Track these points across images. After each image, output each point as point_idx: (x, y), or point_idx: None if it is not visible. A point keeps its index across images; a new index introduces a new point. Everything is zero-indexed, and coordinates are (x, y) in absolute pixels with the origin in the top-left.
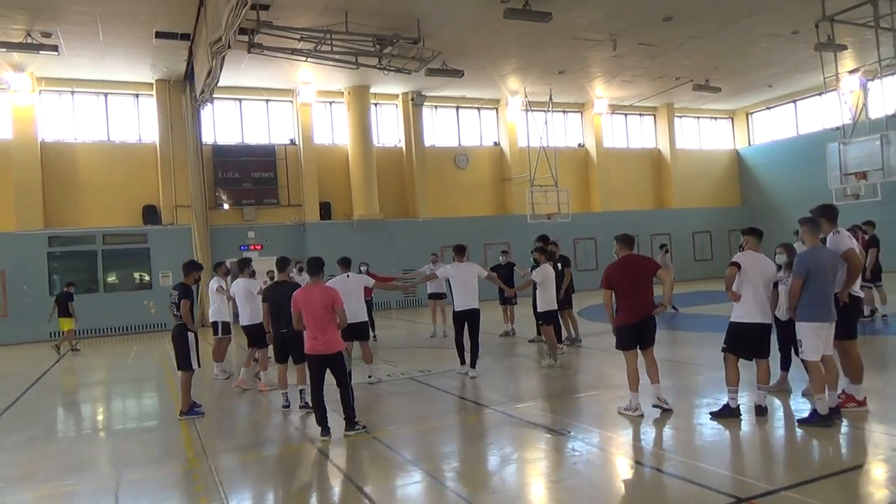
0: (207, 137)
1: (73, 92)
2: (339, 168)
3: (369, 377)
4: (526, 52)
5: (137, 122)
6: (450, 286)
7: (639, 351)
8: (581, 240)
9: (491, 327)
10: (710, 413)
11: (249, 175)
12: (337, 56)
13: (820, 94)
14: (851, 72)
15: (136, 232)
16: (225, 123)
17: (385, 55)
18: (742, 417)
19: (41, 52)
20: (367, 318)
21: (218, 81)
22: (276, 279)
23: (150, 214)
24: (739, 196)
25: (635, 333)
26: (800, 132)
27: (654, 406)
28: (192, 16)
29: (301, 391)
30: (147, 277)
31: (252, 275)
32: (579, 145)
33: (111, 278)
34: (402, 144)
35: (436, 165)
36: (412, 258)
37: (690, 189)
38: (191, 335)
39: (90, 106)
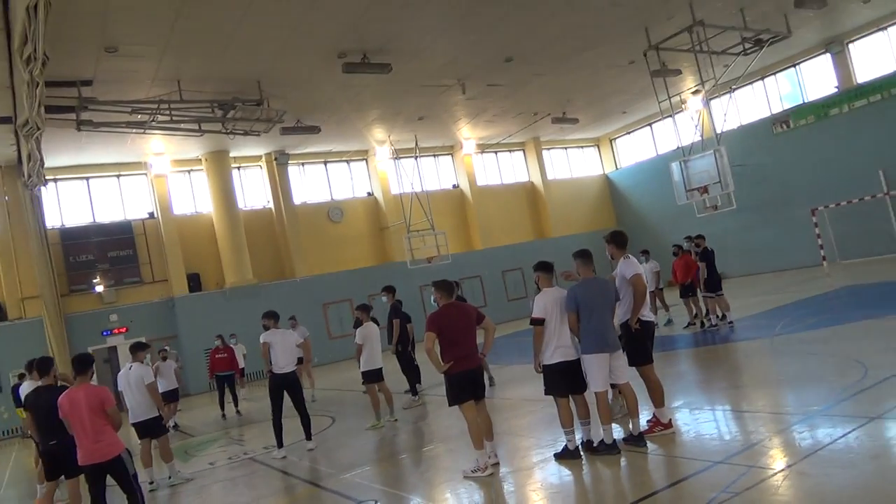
0: (54, 221)
1: None
2: (204, 237)
3: (168, 478)
4: (381, 102)
5: None
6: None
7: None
8: (466, 278)
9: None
10: (554, 455)
11: (105, 255)
12: (177, 126)
13: (671, 116)
14: (695, 92)
15: None
16: (74, 204)
17: (229, 119)
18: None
19: None
20: (155, 414)
21: (42, 164)
22: (39, 384)
23: None
24: (614, 218)
25: (467, 382)
26: (658, 152)
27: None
28: (7, 97)
29: None
30: None
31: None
32: (454, 186)
33: None
34: (272, 205)
35: (309, 222)
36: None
37: (567, 217)
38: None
39: None
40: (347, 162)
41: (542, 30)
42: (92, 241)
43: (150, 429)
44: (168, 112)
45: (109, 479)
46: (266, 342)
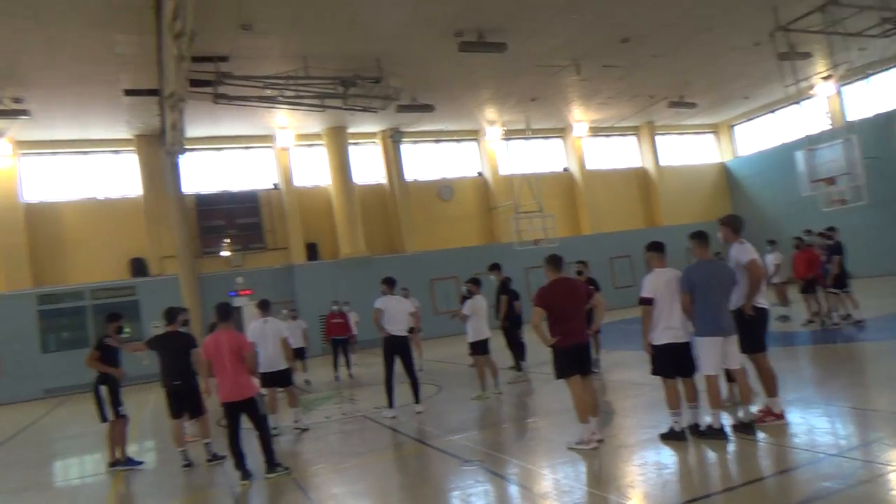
0: (190, 188)
1: (53, 153)
2: (322, 209)
3: (295, 422)
4: (494, 82)
5: (119, 177)
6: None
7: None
8: (572, 263)
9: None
10: (659, 435)
11: (234, 221)
12: (302, 100)
13: (797, 102)
14: (825, 78)
15: (125, 285)
16: (207, 173)
17: (349, 96)
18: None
19: (13, 118)
20: (285, 366)
21: (184, 133)
22: (167, 329)
23: (138, 267)
24: (731, 208)
25: (573, 356)
26: (782, 141)
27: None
28: (154, 72)
29: (206, 444)
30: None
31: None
32: (563, 169)
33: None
34: (385, 181)
35: (420, 199)
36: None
37: (680, 205)
38: (102, 388)
39: (72, 165)
40: (458, 141)
41: (661, 9)
42: (223, 208)
43: (279, 379)
44: (295, 87)
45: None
46: (380, 308)
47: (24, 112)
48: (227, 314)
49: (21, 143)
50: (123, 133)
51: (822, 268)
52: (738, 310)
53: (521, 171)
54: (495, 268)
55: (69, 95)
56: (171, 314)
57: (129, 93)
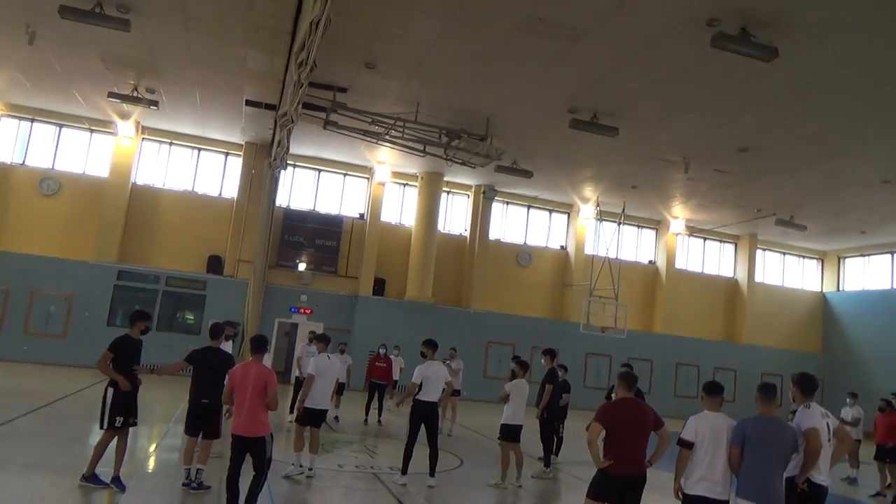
0: (282, 200)
1: (171, 143)
2: (400, 247)
3: (309, 469)
4: (598, 162)
5: (222, 178)
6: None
7: None
8: (636, 359)
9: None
10: None
11: (314, 241)
12: (406, 142)
13: None
14: None
15: (198, 278)
16: (301, 190)
17: (452, 147)
18: None
19: (143, 105)
20: (327, 407)
21: (287, 151)
22: (209, 345)
23: (214, 264)
24: (821, 342)
25: (620, 486)
26: (895, 285)
27: None
28: (276, 89)
29: (198, 470)
30: (191, 320)
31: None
32: (650, 262)
33: (165, 319)
34: (468, 234)
35: (497, 259)
36: (456, 347)
37: (765, 326)
38: (110, 391)
39: (184, 157)
40: (549, 211)
41: (786, 128)
42: (307, 226)
43: (319, 418)
44: (402, 129)
45: None
46: (416, 382)
47: (153, 102)
48: (262, 346)
49: (144, 129)
50: (236, 138)
51: None
52: (791, 480)
53: (605, 254)
54: (549, 353)
55: (197, 95)
56: (216, 330)
57: (249, 103)
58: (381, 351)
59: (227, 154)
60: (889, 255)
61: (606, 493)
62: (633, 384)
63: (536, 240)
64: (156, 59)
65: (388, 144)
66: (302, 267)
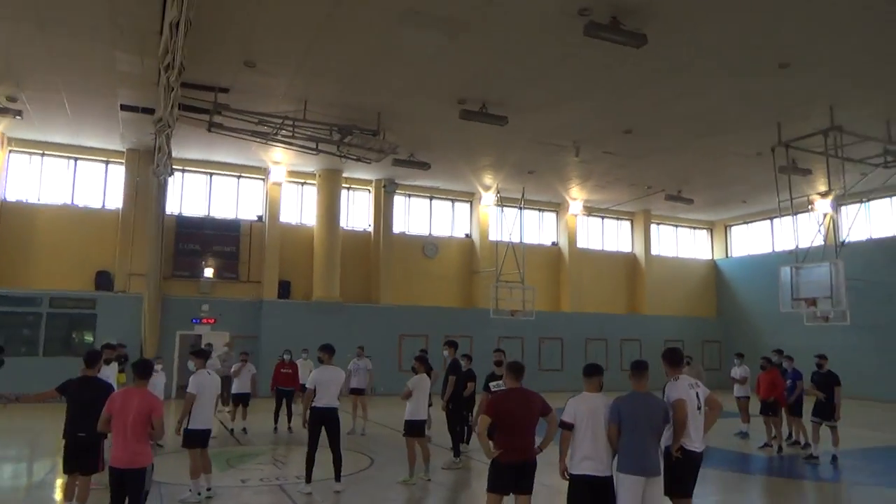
0: (174, 208)
1: (42, 154)
2: (302, 248)
3: (207, 488)
4: (493, 150)
5: (104, 188)
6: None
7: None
8: (547, 339)
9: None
10: None
11: (211, 248)
12: (297, 141)
13: (793, 215)
14: (823, 194)
15: (85, 297)
16: (193, 196)
17: (344, 144)
18: None
19: (3, 115)
20: (210, 426)
21: (170, 156)
22: (82, 374)
23: (103, 280)
24: (715, 307)
25: (513, 474)
26: (775, 249)
27: None
28: (153, 92)
29: None
30: (88, 341)
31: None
32: (553, 244)
33: (53, 342)
34: (371, 229)
35: (403, 253)
36: (368, 345)
37: (665, 296)
38: None
39: (59, 169)
40: (452, 201)
41: (665, 109)
42: (202, 233)
43: (205, 438)
44: (291, 128)
45: None
46: (312, 388)
47: (17, 112)
48: (146, 371)
49: (10, 140)
50: (116, 145)
51: (788, 391)
52: (667, 450)
53: (509, 240)
54: (450, 344)
55: (65, 102)
56: (92, 358)
57: (125, 108)
58: (286, 357)
59: (107, 162)
60: (768, 222)
61: (503, 484)
62: (521, 374)
63: (441, 230)
64: (12, 65)
65: (278, 144)
66: (205, 274)
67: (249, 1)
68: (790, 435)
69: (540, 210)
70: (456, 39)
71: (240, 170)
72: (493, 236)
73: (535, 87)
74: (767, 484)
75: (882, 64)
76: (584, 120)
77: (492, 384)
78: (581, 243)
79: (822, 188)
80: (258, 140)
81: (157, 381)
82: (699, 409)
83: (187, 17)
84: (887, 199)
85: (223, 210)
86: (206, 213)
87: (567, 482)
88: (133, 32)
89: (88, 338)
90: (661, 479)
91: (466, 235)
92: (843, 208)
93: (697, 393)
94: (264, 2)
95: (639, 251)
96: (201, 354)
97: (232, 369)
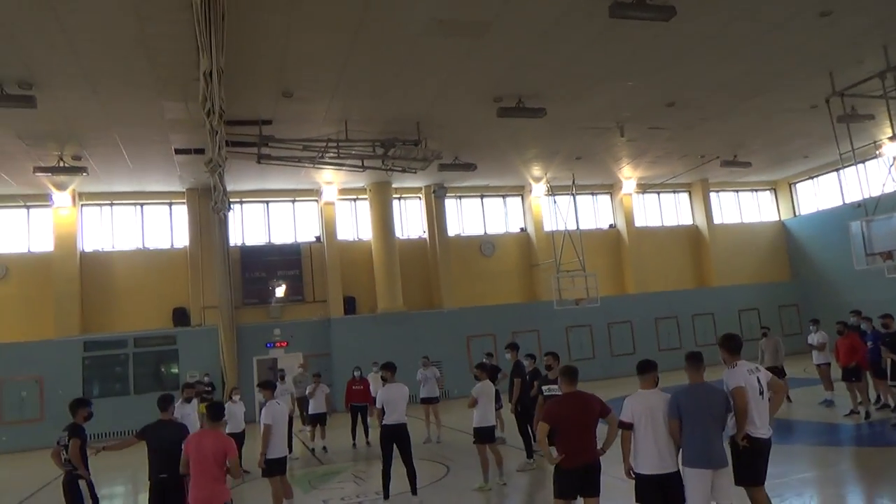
0: (237, 239)
1: (111, 204)
2: (362, 263)
3: None
4: (538, 142)
5: (170, 228)
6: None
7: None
8: (615, 323)
9: None
10: None
11: (276, 273)
12: (343, 161)
13: (859, 163)
14: (891, 138)
15: (165, 334)
16: (253, 225)
17: (388, 157)
18: None
19: (73, 174)
20: (286, 453)
21: (225, 193)
22: (160, 418)
23: (180, 316)
24: (788, 270)
25: (578, 479)
26: (845, 201)
27: None
28: (202, 133)
29: None
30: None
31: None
32: (610, 226)
33: (142, 380)
34: (426, 236)
35: (461, 255)
36: (436, 350)
37: (733, 265)
38: (83, 483)
39: (127, 216)
40: (503, 197)
41: (705, 77)
42: (266, 260)
43: (282, 466)
44: (335, 149)
45: None
46: (379, 407)
47: (82, 169)
48: (218, 414)
49: (82, 195)
50: (176, 186)
51: (867, 355)
52: (732, 439)
53: (565, 228)
54: (512, 347)
55: (124, 153)
56: (163, 403)
57: (178, 152)
58: (356, 374)
59: (170, 204)
60: (835, 174)
61: (569, 488)
62: (576, 377)
63: (496, 227)
64: (73, 127)
65: (325, 167)
66: (273, 299)
67: (278, 35)
68: (878, 398)
69: (593, 194)
70: (482, 40)
71: (293, 194)
72: (548, 227)
73: (569, 75)
74: (857, 455)
75: None
76: (624, 99)
77: (545, 388)
78: (639, 222)
79: (889, 132)
80: (306, 165)
81: (237, 411)
82: (761, 393)
83: (218, 65)
84: None
85: (283, 235)
86: (268, 241)
87: (633, 481)
88: (174, 81)
89: (174, 370)
90: (729, 469)
91: (522, 229)
92: None
93: (759, 378)
94: (292, 34)
95: (700, 222)
96: (268, 385)
97: (307, 390)
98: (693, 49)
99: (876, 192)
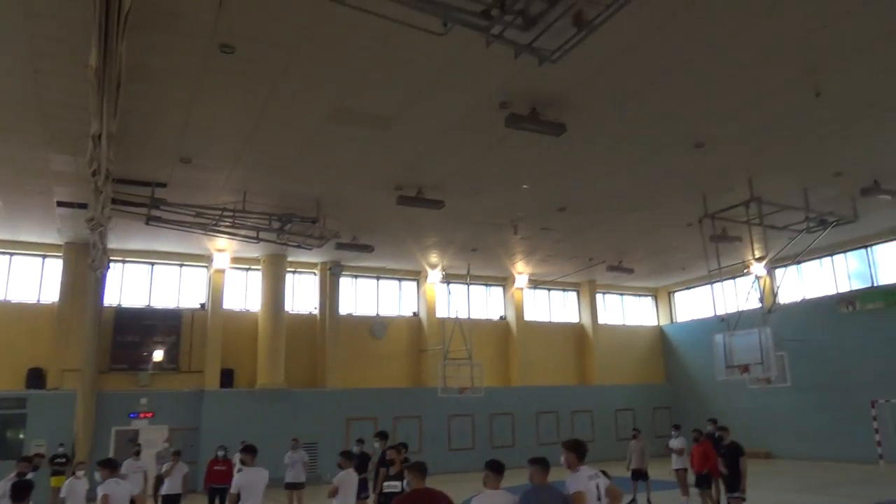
0: (113, 299)
1: None
2: (247, 334)
3: None
4: (436, 231)
5: (40, 282)
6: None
7: None
8: (498, 415)
9: None
10: None
11: (151, 339)
12: (237, 231)
13: (733, 278)
14: (758, 259)
15: (14, 396)
16: (134, 286)
17: (284, 232)
18: None
19: None
20: None
21: (104, 252)
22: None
23: (35, 378)
24: (664, 373)
25: None
26: (717, 312)
27: None
28: (88, 188)
29: None
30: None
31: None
32: (501, 318)
33: None
34: (317, 312)
35: (350, 334)
36: (314, 431)
37: (614, 365)
38: None
39: None
40: (399, 280)
41: (593, 188)
42: (142, 324)
43: None
44: (231, 218)
45: None
46: (235, 493)
47: None
48: (19, 494)
49: None
50: (54, 239)
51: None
52: None
53: (456, 316)
54: (381, 436)
55: (2, 199)
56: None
57: (61, 204)
58: (220, 453)
59: (44, 256)
60: (709, 286)
61: None
62: (424, 473)
63: (389, 309)
64: None
65: (218, 235)
66: (144, 366)
67: (180, 106)
68: None
69: (487, 285)
70: (385, 132)
71: (182, 258)
72: (440, 313)
73: (468, 173)
74: None
75: (792, 138)
76: (519, 200)
77: (385, 484)
78: (529, 316)
79: (758, 253)
80: (197, 231)
81: (79, 488)
82: (599, 499)
83: (109, 130)
84: (816, 260)
85: (165, 299)
86: (147, 303)
87: None
88: (64, 136)
89: (20, 436)
90: None
91: (414, 314)
92: (777, 271)
93: (598, 484)
94: (193, 107)
95: (586, 321)
96: (107, 465)
97: (163, 468)
98: (582, 163)
99: (745, 306)
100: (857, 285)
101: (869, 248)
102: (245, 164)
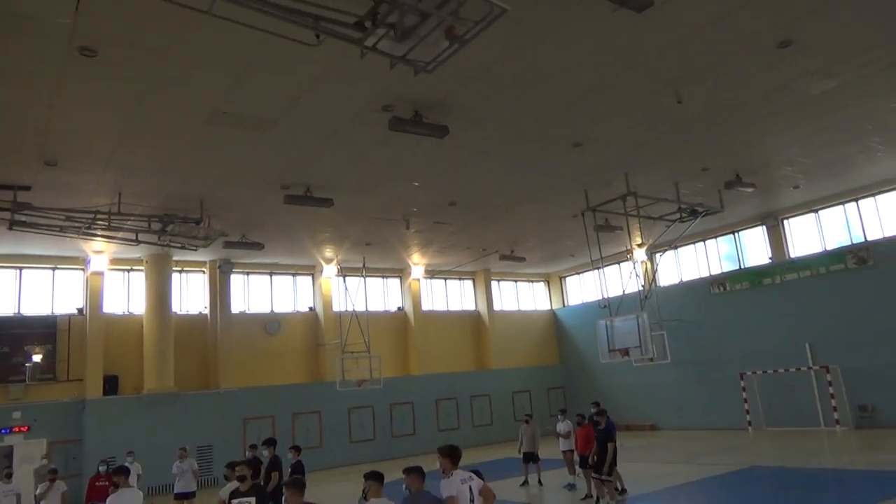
0: None
1: None
2: (131, 339)
3: None
4: (328, 227)
5: None
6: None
7: None
8: (398, 404)
9: None
10: None
11: (23, 348)
12: (113, 233)
13: (619, 264)
14: (639, 246)
15: None
16: (2, 293)
17: (166, 233)
18: None
19: None
20: None
21: None
22: None
23: None
24: (558, 354)
25: None
26: (604, 295)
27: None
28: None
29: None
30: None
31: None
32: (398, 309)
33: None
34: (207, 312)
35: (244, 332)
36: (209, 434)
37: (510, 349)
38: None
39: None
40: (293, 275)
41: (482, 184)
42: (13, 333)
43: None
44: (106, 221)
45: None
46: None
47: None
48: None
49: None
50: None
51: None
52: None
53: (353, 309)
54: (269, 443)
55: None
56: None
57: None
58: (101, 468)
59: None
60: (596, 272)
61: None
62: (303, 489)
63: (284, 306)
64: None
65: (92, 238)
66: (15, 378)
67: (40, 107)
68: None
69: (384, 277)
70: (268, 133)
71: (55, 261)
72: (336, 307)
73: (355, 172)
74: None
75: (661, 138)
76: (409, 196)
77: (234, 502)
78: (426, 305)
79: (638, 241)
80: (69, 235)
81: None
82: (472, 501)
83: None
84: (691, 246)
85: (38, 306)
86: (17, 311)
87: None
88: None
89: None
90: None
91: (310, 308)
92: (656, 256)
93: (471, 486)
94: (56, 109)
95: (482, 308)
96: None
97: (38, 490)
98: (468, 161)
99: (629, 290)
100: (727, 268)
101: (736, 234)
102: (118, 166)
